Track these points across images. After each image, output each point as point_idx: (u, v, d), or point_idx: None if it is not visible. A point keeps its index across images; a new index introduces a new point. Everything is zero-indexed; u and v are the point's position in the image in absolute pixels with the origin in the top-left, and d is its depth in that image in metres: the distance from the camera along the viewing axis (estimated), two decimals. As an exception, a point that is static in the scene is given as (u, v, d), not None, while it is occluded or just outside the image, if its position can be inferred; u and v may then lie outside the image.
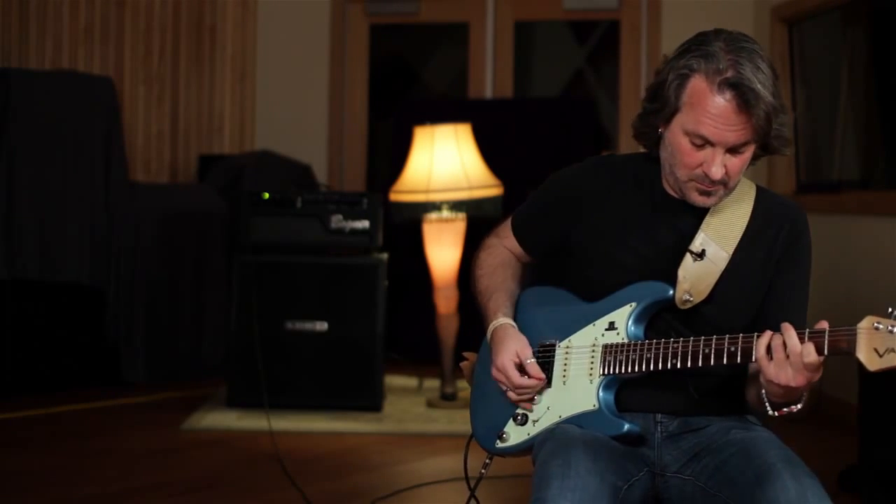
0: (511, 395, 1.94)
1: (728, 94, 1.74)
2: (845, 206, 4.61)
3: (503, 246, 2.15)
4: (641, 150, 2.00)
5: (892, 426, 3.14)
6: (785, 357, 1.66)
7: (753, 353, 1.69)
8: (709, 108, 1.76)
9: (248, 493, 3.37)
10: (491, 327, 2.01)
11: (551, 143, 5.72)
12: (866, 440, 3.25)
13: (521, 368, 1.92)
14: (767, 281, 1.91)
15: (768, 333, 1.69)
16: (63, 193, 4.78)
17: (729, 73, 1.74)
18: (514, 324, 2.00)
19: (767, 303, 1.91)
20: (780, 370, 1.66)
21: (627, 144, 6.10)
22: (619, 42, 6.15)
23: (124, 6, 5.85)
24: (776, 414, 1.77)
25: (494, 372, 1.95)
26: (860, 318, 1.62)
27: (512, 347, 1.94)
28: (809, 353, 1.64)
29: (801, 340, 1.65)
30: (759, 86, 1.74)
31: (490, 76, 6.30)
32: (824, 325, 1.66)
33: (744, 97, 1.74)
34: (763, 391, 1.75)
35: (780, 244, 1.92)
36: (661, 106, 1.83)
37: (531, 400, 1.94)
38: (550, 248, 2.08)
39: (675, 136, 1.82)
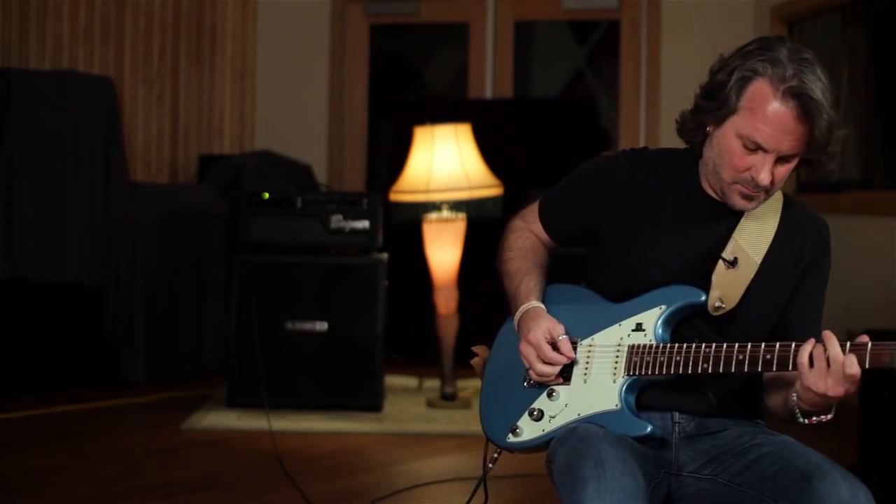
0: (532, 372, 1.92)
1: (791, 103, 1.74)
2: (845, 206, 4.61)
3: (529, 230, 2.12)
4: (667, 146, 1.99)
5: (892, 426, 3.14)
6: (826, 366, 1.66)
7: (793, 360, 1.69)
8: (769, 114, 1.75)
9: (248, 493, 3.37)
10: (522, 309, 1.98)
11: (551, 143, 5.72)
12: (866, 440, 3.26)
13: (552, 347, 1.91)
14: (791, 289, 1.92)
15: (811, 342, 1.69)
16: (63, 193, 4.78)
17: (794, 82, 1.74)
18: (544, 307, 1.98)
19: (787, 309, 1.92)
20: (819, 379, 1.67)
21: (627, 145, 6.10)
22: (619, 42, 6.14)
23: (124, 6, 5.85)
24: (806, 422, 1.77)
25: (523, 346, 1.92)
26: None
27: (544, 325, 1.92)
28: (852, 365, 1.64)
29: (843, 351, 1.65)
30: (821, 97, 1.74)
31: (490, 76, 6.30)
32: (865, 338, 1.66)
33: (806, 107, 1.74)
34: (794, 398, 1.75)
35: (806, 254, 1.93)
36: (717, 105, 1.82)
37: (552, 383, 1.91)
38: (576, 237, 2.06)
39: (727, 138, 1.82)
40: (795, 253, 1.92)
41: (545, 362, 1.90)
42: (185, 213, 5.22)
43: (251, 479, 3.50)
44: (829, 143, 1.80)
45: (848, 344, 1.66)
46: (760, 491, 1.76)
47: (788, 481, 1.71)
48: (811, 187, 5.04)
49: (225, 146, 6.29)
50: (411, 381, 5.10)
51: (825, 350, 1.66)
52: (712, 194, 1.91)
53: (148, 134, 6.00)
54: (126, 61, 5.87)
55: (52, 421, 4.28)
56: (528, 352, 1.92)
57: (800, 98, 1.74)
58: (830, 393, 1.67)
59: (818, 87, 1.75)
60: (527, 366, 1.93)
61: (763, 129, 1.76)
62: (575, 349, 1.91)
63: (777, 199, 1.94)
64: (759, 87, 1.76)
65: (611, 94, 6.24)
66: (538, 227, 2.11)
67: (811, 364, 1.67)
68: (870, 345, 1.64)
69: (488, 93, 6.28)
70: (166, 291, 5.14)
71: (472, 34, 6.33)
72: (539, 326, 1.92)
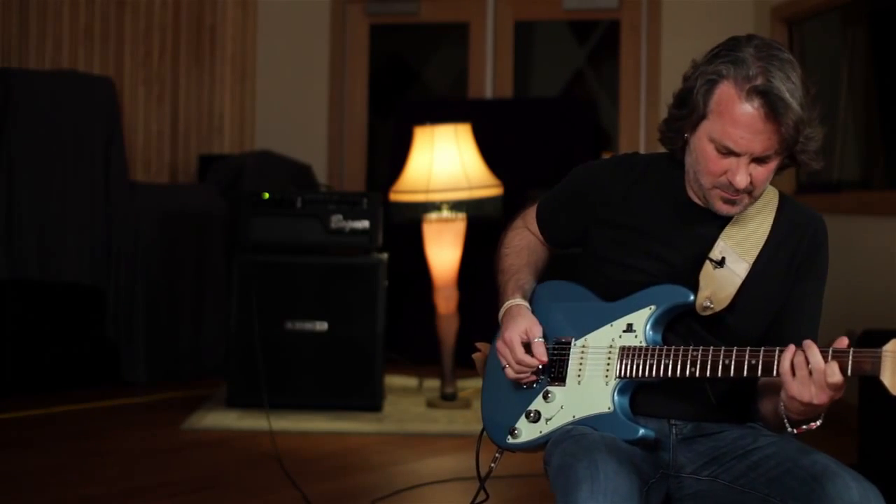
0: (509, 371, 1.94)
1: (756, 102, 1.72)
2: (845, 206, 4.61)
3: (528, 230, 2.15)
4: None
5: (892, 426, 3.14)
6: (808, 374, 1.65)
7: (776, 368, 1.68)
8: (736, 117, 1.73)
9: (248, 493, 3.37)
10: (506, 305, 2.01)
11: (551, 143, 5.72)
12: (866, 440, 3.26)
13: (527, 348, 1.92)
14: (786, 290, 1.90)
15: (791, 348, 1.68)
16: (63, 193, 4.78)
17: (758, 81, 1.71)
18: (528, 306, 2.00)
19: (782, 312, 1.91)
20: (803, 388, 1.65)
21: (627, 145, 6.10)
22: (619, 42, 6.15)
23: (124, 6, 5.85)
24: (794, 431, 1.75)
25: (499, 344, 1.95)
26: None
27: (522, 325, 1.94)
28: (834, 374, 1.63)
29: (825, 359, 1.64)
30: (788, 95, 1.71)
31: (490, 76, 6.30)
32: (844, 342, 1.65)
33: (772, 105, 1.71)
34: (782, 406, 1.73)
35: (800, 255, 1.91)
36: (688, 112, 1.81)
37: (530, 382, 1.93)
38: (570, 242, 2.09)
39: (701, 143, 1.80)
40: (790, 254, 1.90)
41: (518, 363, 1.92)
42: (185, 213, 5.22)
43: (251, 479, 3.51)
44: (799, 141, 1.76)
45: (831, 351, 1.64)
46: (766, 492, 1.75)
47: (796, 482, 1.71)
48: (811, 187, 5.04)
49: (225, 146, 6.29)
50: (411, 381, 5.10)
51: (806, 358, 1.65)
52: (698, 201, 1.91)
53: (148, 134, 6.00)
54: (126, 61, 5.87)
55: (52, 421, 4.28)
56: (503, 350, 1.95)
57: (765, 96, 1.71)
58: (815, 401, 1.65)
59: (785, 85, 1.71)
60: (503, 364, 1.95)
61: (732, 132, 1.74)
62: (569, 349, 1.92)
63: (772, 200, 1.92)
64: (725, 90, 1.75)
65: (611, 94, 6.24)
66: (535, 229, 2.14)
67: (793, 373, 1.66)
68: (852, 351, 1.62)
69: (488, 93, 6.28)
70: (166, 291, 5.14)
71: (472, 34, 6.33)
72: (517, 326, 1.94)
